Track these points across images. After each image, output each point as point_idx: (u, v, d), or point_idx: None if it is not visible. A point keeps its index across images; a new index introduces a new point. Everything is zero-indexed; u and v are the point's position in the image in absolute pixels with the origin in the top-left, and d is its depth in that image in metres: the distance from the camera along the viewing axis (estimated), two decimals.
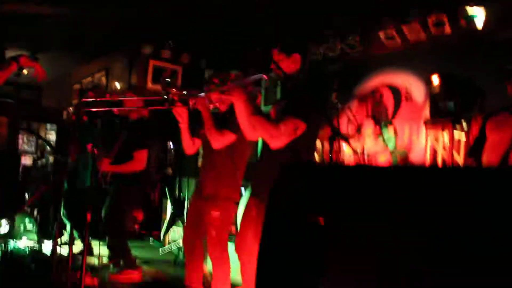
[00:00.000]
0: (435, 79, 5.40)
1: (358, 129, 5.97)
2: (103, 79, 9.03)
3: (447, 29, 5.60)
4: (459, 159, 5.32)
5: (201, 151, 3.86)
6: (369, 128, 5.65)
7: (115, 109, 4.03)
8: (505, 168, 2.61)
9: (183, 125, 3.49)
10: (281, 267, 1.57)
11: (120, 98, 4.47)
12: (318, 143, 6.30)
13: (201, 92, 3.23)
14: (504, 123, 3.44)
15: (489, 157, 3.40)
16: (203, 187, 3.57)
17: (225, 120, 3.40)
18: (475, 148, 3.53)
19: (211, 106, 3.30)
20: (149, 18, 6.91)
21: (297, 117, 2.69)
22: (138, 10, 6.60)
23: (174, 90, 3.21)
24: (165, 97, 3.20)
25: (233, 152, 3.46)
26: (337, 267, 1.40)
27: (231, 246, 3.35)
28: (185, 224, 3.69)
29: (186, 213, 3.76)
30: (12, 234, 6.00)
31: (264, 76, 2.83)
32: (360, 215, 1.40)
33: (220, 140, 3.34)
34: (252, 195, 3.02)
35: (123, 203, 4.66)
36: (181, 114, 3.40)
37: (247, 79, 2.84)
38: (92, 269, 4.73)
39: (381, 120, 6.52)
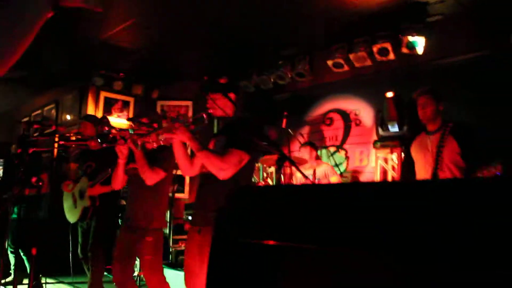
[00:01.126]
0: (382, 103, 5.60)
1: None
2: (53, 112, 8.86)
3: (391, 55, 5.85)
4: None
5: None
6: (306, 153, 5.76)
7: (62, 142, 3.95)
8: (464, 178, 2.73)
9: (122, 160, 3.57)
10: None
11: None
12: (271, 169, 6.36)
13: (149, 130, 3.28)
14: (423, 143, 3.75)
15: (421, 177, 3.65)
16: (132, 220, 3.63)
17: (154, 158, 3.53)
18: (405, 172, 3.81)
19: (139, 144, 3.36)
20: (101, 50, 6.89)
21: (240, 149, 2.85)
22: (88, 42, 6.57)
23: (115, 130, 3.29)
24: (107, 134, 3.26)
25: (161, 187, 3.61)
26: None
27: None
28: (114, 260, 3.62)
29: (115, 246, 3.73)
30: None
31: (204, 115, 2.95)
32: (312, 236, 1.40)
33: (154, 178, 3.49)
34: (194, 225, 3.04)
35: (103, 233, 4.57)
36: (122, 151, 3.47)
37: (188, 118, 2.98)
38: None
39: (326, 146, 6.67)
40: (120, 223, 5.95)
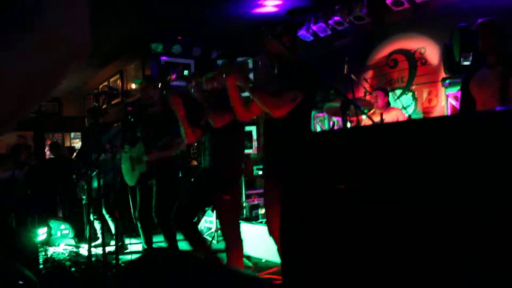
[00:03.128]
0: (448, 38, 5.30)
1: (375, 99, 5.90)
2: (118, 82, 9.15)
3: None
4: None
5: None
6: (379, 98, 5.58)
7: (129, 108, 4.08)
8: None
9: (181, 112, 3.58)
10: (304, 239, 1.58)
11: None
12: (338, 118, 6.27)
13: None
14: (484, 78, 3.43)
15: None
16: (210, 169, 3.62)
17: (220, 101, 3.48)
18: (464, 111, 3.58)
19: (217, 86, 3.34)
20: (156, 16, 6.98)
21: (294, 87, 2.88)
22: (144, 10, 6.66)
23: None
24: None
25: (233, 131, 3.56)
26: (360, 236, 1.38)
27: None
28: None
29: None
30: (50, 241, 6.18)
31: (258, 59, 2.96)
32: (381, 175, 1.37)
33: (219, 119, 3.46)
34: (266, 178, 3.09)
35: (170, 194, 4.60)
36: (177, 103, 3.50)
37: (239, 62, 2.99)
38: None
39: (394, 87, 6.46)
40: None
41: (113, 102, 4.71)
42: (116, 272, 3.71)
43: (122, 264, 4.66)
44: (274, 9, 6.88)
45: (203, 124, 3.62)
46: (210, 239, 6.07)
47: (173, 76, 3.09)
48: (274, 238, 3.16)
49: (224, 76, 2.92)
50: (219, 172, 3.54)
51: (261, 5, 6.75)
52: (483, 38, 3.47)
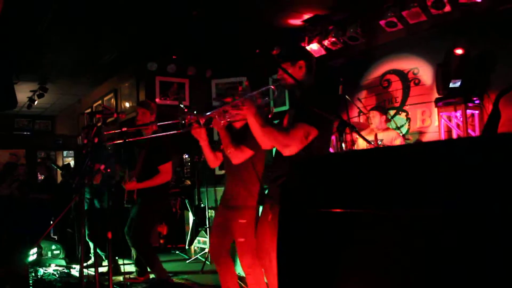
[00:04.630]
0: (442, 59, 5.37)
1: (369, 119, 5.93)
2: (112, 101, 9.14)
3: (447, 7, 5.54)
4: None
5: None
6: (376, 118, 5.62)
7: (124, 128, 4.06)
8: None
9: (203, 142, 3.54)
10: (300, 264, 1.56)
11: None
12: (332, 137, 6.27)
13: (213, 110, 3.25)
14: None
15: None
16: (228, 198, 3.64)
17: (241, 135, 3.47)
18: (490, 126, 3.46)
19: (225, 123, 3.32)
20: (152, 36, 7.01)
21: (308, 123, 2.68)
22: (139, 29, 6.69)
23: (189, 116, 3.25)
24: (182, 121, 3.25)
25: (253, 163, 3.54)
26: (358, 260, 1.37)
27: None
28: (211, 233, 3.72)
29: (212, 223, 3.77)
30: (40, 261, 6.09)
31: (272, 87, 2.87)
32: (378, 200, 1.35)
33: (239, 157, 3.42)
34: (267, 199, 3.04)
35: (149, 219, 4.71)
36: (199, 134, 3.46)
37: (255, 91, 2.86)
38: (121, 286, 4.77)
39: (387, 108, 6.49)
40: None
41: (108, 121, 4.68)
42: None
43: (115, 286, 4.59)
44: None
45: (222, 148, 3.61)
46: (203, 259, 6.02)
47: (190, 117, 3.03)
48: (260, 262, 3.13)
49: (239, 108, 2.79)
50: (239, 201, 3.54)
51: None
52: None
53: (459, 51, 5.18)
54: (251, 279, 3.49)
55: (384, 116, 5.66)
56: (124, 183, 4.59)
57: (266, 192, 3.15)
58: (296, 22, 6.86)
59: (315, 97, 2.81)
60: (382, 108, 5.87)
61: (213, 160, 3.70)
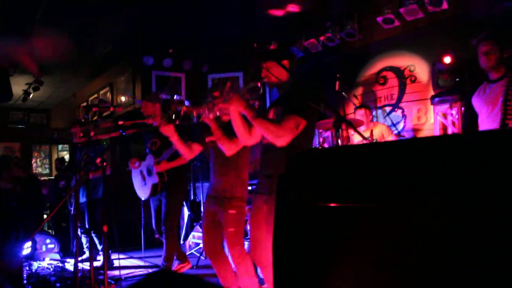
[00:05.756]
0: (438, 58, 5.38)
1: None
2: (108, 95, 9.11)
3: (444, 4, 5.55)
4: None
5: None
6: (362, 116, 5.67)
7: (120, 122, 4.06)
8: None
9: (174, 138, 3.63)
10: (295, 258, 1.56)
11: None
12: (328, 133, 6.30)
13: (205, 103, 3.27)
14: (486, 93, 3.50)
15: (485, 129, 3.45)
16: (216, 192, 3.64)
17: (230, 128, 3.48)
18: (468, 126, 3.61)
19: (215, 115, 3.35)
20: (148, 29, 6.98)
21: (296, 114, 2.81)
22: (136, 23, 6.66)
23: (184, 107, 3.28)
24: (178, 112, 3.28)
25: (241, 155, 3.59)
26: (353, 255, 1.37)
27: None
28: (203, 230, 3.73)
29: (202, 219, 3.80)
30: (34, 255, 6.08)
31: (258, 84, 2.93)
32: (374, 194, 1.36)
33: (232, 148, 3.48)
34: (259, 193, 3.05)
35: (176, 210, 4.83)
36: (168, 131, 3.55)
37: (243, 88, 2.94)
38: (116, 281, 4.78)
39: (383, 105, 6.51)
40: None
41: (104, 115, 4.68)
42: None
43: (111, 281, 4.60)
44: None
45: (207, 142, 3.63)
46: (198, 254, 6.03)
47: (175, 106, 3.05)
48: (254, 257, 3.13)
49: (227, 102, 2.88)
50: (226, 192, 3.57)
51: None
52: (485, 57, 3.49)
53: (447, 60, 5.24)
54: (241, 269, 3.48)
55: (369, 113, 5.73)
56: (155, 164, 4.66)
57: (257, 185, 3.18)
58: (292, 17, 6.84)
59: (299, 88, 2.96)
60: (367, 105, 5.95)
61: (188, 153, 3.79)
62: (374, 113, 6.39)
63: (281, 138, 2.82)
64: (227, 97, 2.88)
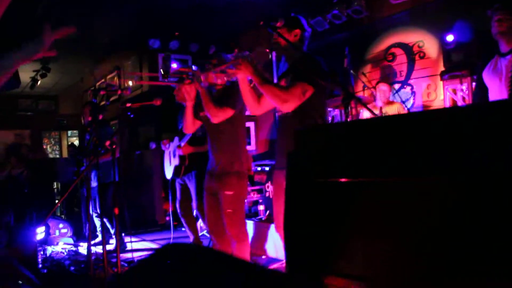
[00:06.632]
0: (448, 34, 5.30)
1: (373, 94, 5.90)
2: (116, 79, 9.11)
3: None
4: None
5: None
6: (384, 89, 5.60)
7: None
8: None
9: (190, 102, 3.44)
10: (306, 232, 1.55)
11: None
12: (337, 111, 6.26)
13: (210, 69, 3.18)
14: (497, 67, 3.42)
15: None
16: (213, 165, 3.53)
17: (221, 96, 3.42)
18: (478, 101, 3.55)
19: (206, 83, 3.25)
20: (154, 12, 6.93)
21: (303, 81, 2.80)
22: (142, 6, 6.62)
23: (191, 70, 3.19)
24: (189, 75, 3.19)
25: (235, 127, 3.47)
26: (365, 229, 1.37)
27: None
28: (205, 207, 3.62)
29: (204, 195, 3.67)
30: (48, 240, 6.14)
31: (267, 50, 2.89)
32: (383, 168, 1.35)
33: (218, 115, 3.33)
34: (277, 169, 3.03)
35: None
36: (189, 92, 3.36)
37: (251, 53, 2.90)
38: (129, 263, 4.82)
39: (392, 82, 6.44)
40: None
41: (111, 99, 4.67)
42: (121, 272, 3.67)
43: (124, 263, 4.64)
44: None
45: (201, 116, 3.54)
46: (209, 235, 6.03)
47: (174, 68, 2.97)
48: (279, 233, 3.13)
49: (236, 68, 2.84)
50: (222, 168, 3.44)
51: None
52: (497, 23, 3.37)
53: (450, 38, 5.17)
54: (238, 249, 3.42)
55: (389, 88, 5.66)
56: (178, 147, 4.80)
57: (275, 161, 3.16)
58: None
59: (309, 61, 2.93)
60: (389, 82, 5.86)
61: (191, 124, 3.59)
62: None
63: (287, 103, 2.82)
64: (236, 63, 2.84)
